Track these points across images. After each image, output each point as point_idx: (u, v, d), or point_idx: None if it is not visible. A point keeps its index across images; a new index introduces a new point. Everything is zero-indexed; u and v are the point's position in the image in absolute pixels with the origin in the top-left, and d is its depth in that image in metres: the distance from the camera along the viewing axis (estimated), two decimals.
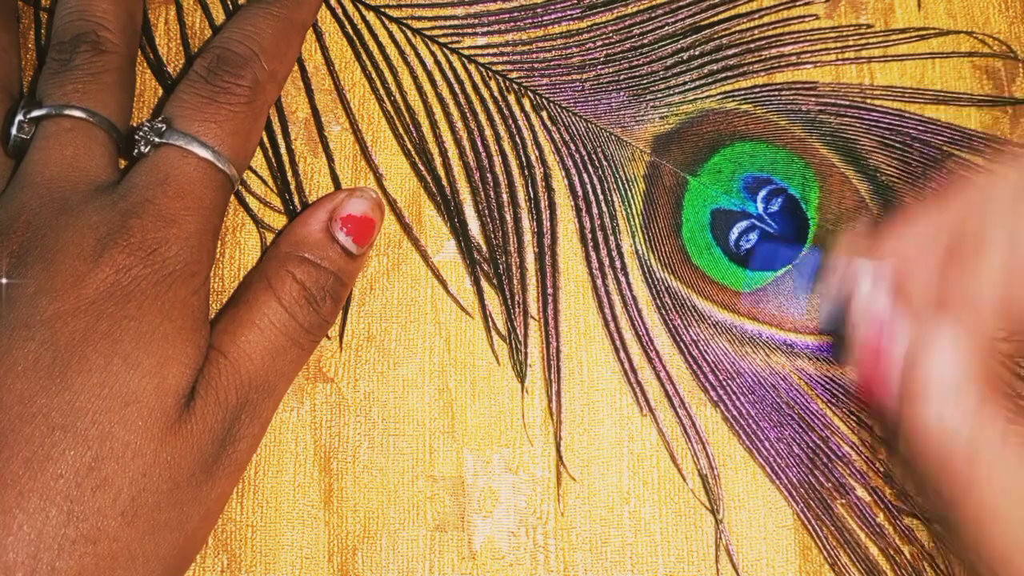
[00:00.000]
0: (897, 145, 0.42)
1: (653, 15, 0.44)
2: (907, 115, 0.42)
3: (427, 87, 0.43)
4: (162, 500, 0.32)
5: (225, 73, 0.37)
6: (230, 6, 0.44)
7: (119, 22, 0.39)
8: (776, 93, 0.43)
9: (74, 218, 0.33)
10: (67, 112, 0.36)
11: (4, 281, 0.33)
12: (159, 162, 0.35)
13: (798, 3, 0.44)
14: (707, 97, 0.43)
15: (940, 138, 0.42)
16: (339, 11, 0.44)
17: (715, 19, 0.44)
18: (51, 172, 0.35)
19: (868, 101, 0.42)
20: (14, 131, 0.36)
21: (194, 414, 0.33)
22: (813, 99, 0.42)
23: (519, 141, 0.43)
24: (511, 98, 0.43)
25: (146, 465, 0.31)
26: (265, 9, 0.40)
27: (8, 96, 0.38)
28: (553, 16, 0.44)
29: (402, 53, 0.44)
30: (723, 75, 0.43)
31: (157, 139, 0.35)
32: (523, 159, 0.43)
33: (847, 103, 0.42)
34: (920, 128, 0.42)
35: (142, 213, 0.34)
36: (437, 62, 0.44)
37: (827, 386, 0.40)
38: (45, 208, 0.34)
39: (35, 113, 0.36)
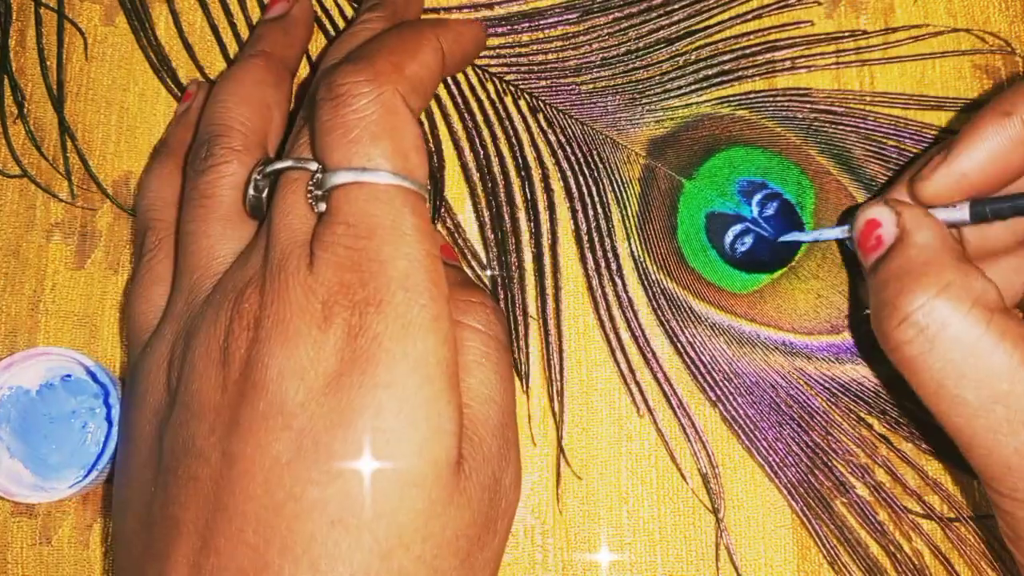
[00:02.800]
0: (893, 155, 0.42)
1: (648, 18, 0.44)
2: (903, 122, 0.42)
3: None
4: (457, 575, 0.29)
5: (344, 85, 0.32)
6: (230, 6, 0.44)
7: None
8: (771, 99, 0.43)
9: (295, 280, 0.30)
10: (300, 165, 0.33)
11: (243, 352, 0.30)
12: (338, 208, 0.31)
13: (795, 7, 0.44)
14: (702, 102, 0.43)
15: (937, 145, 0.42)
16: (335, 11, 0.44)
17: (710, 22, 0.44)
18: (275, 229, 0.32)
19: (866, 108, 0.43)
20: (250, 190, 0.34)
21: (468, 478, 0.30)
22: (808, 106, 0.43)
23: (516, 143, 0.43)
24: (508, 100, 0.43)
25: (436, 547, 0.29)
26: (368, 24, 0.38)
27: (265, 155, 0.36)
28: (550, 20, 0.44)
29: None
30: (719, 80, 0.43)
31: (320, 190, 0.31)
32: (520, 160, 0.43)
33: (843, 110, 0.43)
34: (917, 137, 0.42)
35: (351, 266, 0.30)
36: None
37: (826, 385, 0.40)
38: (270, 270, 0.31)
39: (269, 168, 0.33)
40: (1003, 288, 0.35)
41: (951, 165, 0.33)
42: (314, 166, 0.32)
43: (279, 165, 0.33)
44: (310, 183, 0.32)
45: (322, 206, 0.31)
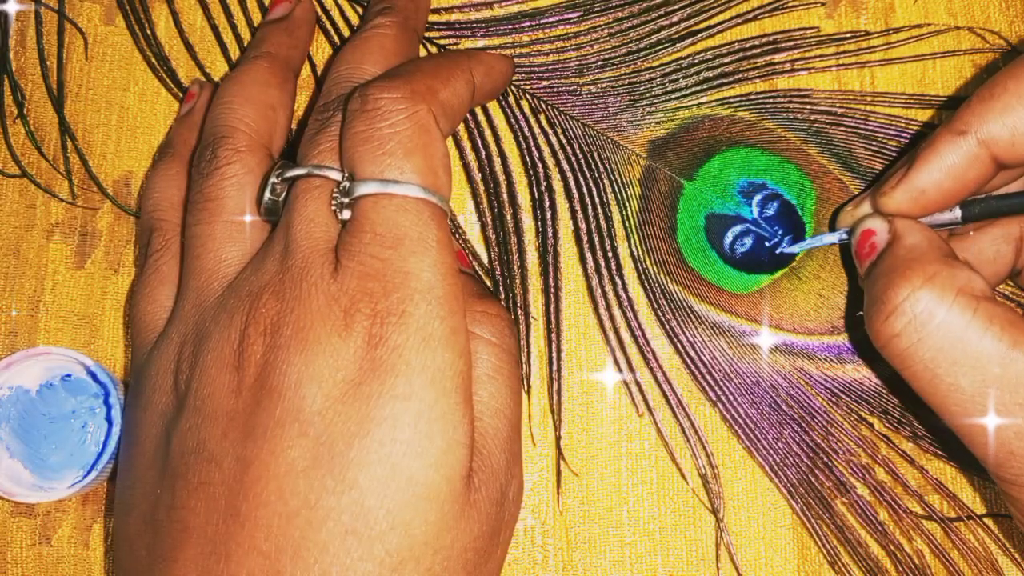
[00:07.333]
0: (894, 155, 0.42)
1: (649, 19, 0.44)
2: (904, 122, 0.42)
3: None
4: None
5: (381, 99, 0.32)
6: (230, 7, 0.44)
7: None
8: (770, 100, 0.43)
9: (317, 287, 0.30)
10: (321, 172, 0.32)
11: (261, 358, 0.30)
12: (366, 217, 0.31)
13: (797, 7, 0.44)
14: (703, 103, 0.43)
15: None
16: (335, 12, 0.44)
17: (711, 22, 0.44)
18: (295, 235, 0.32)
19: (867, 108, 0.43)
20: (267, 193, 0.34)
21: (478, 492, 0.30)
22: (808, 107, 0.43)
23: (518, 143, 0.43)
24: (511, 100, 0.43)
25: (446, 559, 0.29)
26: (379, 29, 0.38)
27: (269, 156, 0.36)
28: (552, 19, 0.44)
29: None
30: (719, 82, 0.43)
31: (347, 198, 0.31)
32: (524, 161, 0.43)
33: (843, 111, 0.43)
34: (917, 136, 0.42)
35: (376, 275, 0.30)
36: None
37: (827, 385, 0.40)
38: (290, 276, 0.31)
39: (290, 173, 0.33)
40: (986, 268, 0.37)
41: (910, 182, 0.34)
42: (337, 174, 0.32)
43: (301, 171, 0.33)
44: (336, 191, 0.32)
45: (347, 214, 0.32)
